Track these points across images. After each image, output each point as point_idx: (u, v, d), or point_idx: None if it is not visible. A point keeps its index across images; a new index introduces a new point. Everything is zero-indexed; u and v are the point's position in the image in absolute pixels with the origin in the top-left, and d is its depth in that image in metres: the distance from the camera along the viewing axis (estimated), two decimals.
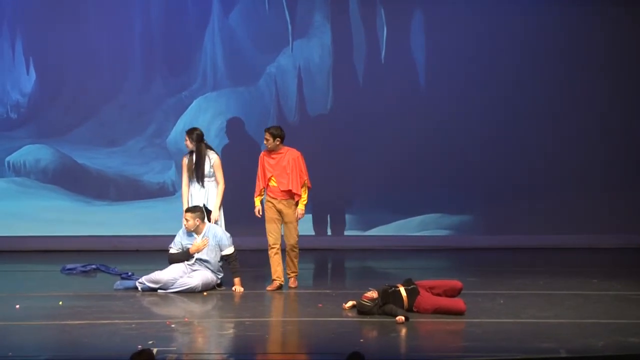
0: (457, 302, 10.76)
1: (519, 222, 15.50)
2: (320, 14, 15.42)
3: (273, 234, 12.07)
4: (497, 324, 10.37)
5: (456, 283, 10.98)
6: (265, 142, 12.05)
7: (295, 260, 12.07)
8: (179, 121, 15.30)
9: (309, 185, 12.06)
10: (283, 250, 12.10)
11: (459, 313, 10.64)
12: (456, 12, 15.36)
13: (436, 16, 15.39)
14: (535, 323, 10.38)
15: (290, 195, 11.98)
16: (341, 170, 15.24)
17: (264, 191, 12.10)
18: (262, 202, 12.12)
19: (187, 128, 12.62)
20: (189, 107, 15.39)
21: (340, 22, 15.38)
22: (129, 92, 15.42)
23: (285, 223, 12.04)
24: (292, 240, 12.01)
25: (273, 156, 12.04)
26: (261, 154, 12.13)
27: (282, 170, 11.98)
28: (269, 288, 12.08)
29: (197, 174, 12.35)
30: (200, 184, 12.37)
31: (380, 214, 15.49)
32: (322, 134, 15.28)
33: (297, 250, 12.05)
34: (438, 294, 10.82)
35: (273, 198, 12.02)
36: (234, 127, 15.30)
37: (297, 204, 12.02)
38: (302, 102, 15.43)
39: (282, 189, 11.97)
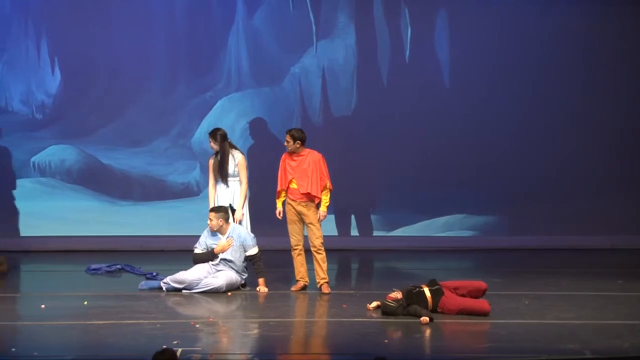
0: (482, 303, 10.74)
1: (543, 223, 15.45)
2: (345, 14, 15.42)
3: (295, 235, 12.07)
4: (521, 325, 10.35)
5: (480, 284, 10.96)
6: (286, 144, 12.03)
7: (324, 265, 11.96)
8: (203, 122, 15.33)
9: (331, 187, 12.04)
10: (308, 251, 12.09)
11: (483, 314, 10.62)
12: (480, 12, 15.33)
13: (460, 16, 15.36)
14: (560, 324, 10.35)
15: (310, 197, 11.96)
16: (365, 170, 15.23)
17: (285, 193, 12.09)
18: (283, 204, 12.12)
19: (211, 129, 12.65)
20: (213, 108, 15.41)
21: (365, 23, 15.38)
22: (153, 92, 15.46)
23: (307, 224, 12.03)
24: (316, 242, 11.98)
25: (294, 158, 12.03)
26: (283, 156, 12.13)
27: (303, 173, 11.96)
28: (293, 288, 12.09)
29: (222, 173, 12.36)
30: (226, 183, 12.39)
31: (404, 214, 15.47)
32: (346, 135, 15.27)
33: (323, 253, 11.96)
34: (462, 295, 10.80)
35: (293, 200, 12.01)
36: (258, 127, 15.31)
37: (317, 205, 12.01)
38: (326, 102, 15.43)
39: (302, 192, 11.95)
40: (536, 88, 15.41)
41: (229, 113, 15.36)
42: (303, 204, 11.96)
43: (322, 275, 11.96)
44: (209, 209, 12.26)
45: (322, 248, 11.97)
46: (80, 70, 15.39)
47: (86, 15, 15.24)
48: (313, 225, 11.97)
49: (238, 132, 15.10)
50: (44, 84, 15.40)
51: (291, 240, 12.05)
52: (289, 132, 12.06)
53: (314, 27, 15.38)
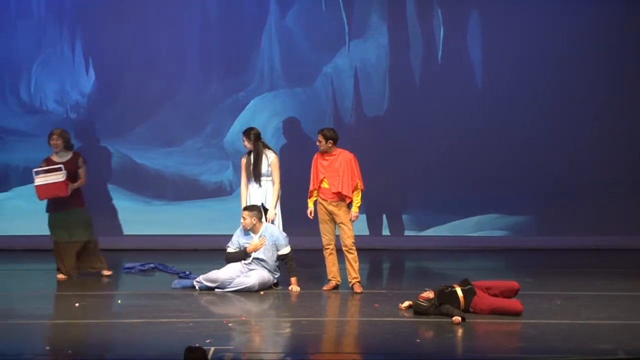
0: (514, 303, 10.70)
1: (574, 222, 15.38)
2: (377, 14, 15.40)
3: (326, 234, 12.05)
4: (554, 325, 10.30)
5: (513, 284, 10.93)
6: (318, 143, 12.03)
7: (355, 265, 11.93)
8: (236, 121, 15.35)
9: (362, 187, 12.02)
10: (339, 251, 12.08)
11: (515, 314, 10.58)
12: (512, 13, 15.28)
13: (493, 16, 15.32)
14: (593, 324, 10.30)
15: (341, 197, 11.93)
16: (397, 170, 15.21)
17: (317, 192, 12.08)
18: (315, 204, 12.11)
19: (244, 128, 12.66)
20: (246, 108, 15.43)
21: (397, 23, 15.35)
22: (186, 92, 15.50)
23: (338, 224, 12.00)
24: (347, 241, 11.95)
25: (326, 158, 12.01)
26: (315, 156, 12.12)
27: (334, 172, 11.94)
28: (325, 288, 12.08)
29: (255, 172, 12.37)
30: (258, 183, 12.40)
31: (435, 214, 15.44)
32: (378, 135, 15.26)
33: (354, 252, 11.93)
34: (495, 295, 10.77)
35: (324, 200, 11.99)
36: (290, 127, 15.32)
37: (348, 205, 11.99)
38: (359, 102, 15.41)
39: (333, 191, 11.94)
40: (567, 89, 15.34)
41: (262, 113, 15.37)
42: (334, 203, 11.95)
43: (354, 275, 11.95)
44: (242, 207, 12.28)
45: (354, 248, 11.95)
46: (114, 70, 15.46)
47: (120, 16, 15.30)
48: (344, 225, 11.95)
49: (270, 131, 15.11)
50: (78, 84, 15.47)
51: (323, 239, 12.04)
52: (321, 131, 12.06)
53: (346, 27, 15.37)
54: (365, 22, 15.39)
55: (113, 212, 15.34)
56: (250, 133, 12.38)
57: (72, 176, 12.71)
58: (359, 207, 12.03)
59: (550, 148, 15.36)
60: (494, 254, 14.93)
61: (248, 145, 12.39)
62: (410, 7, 15.32)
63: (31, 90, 15.48)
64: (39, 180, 12.62)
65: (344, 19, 15.34)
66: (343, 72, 15.44)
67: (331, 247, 12.03)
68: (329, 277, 12.10)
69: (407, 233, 15.49)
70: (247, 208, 12.17)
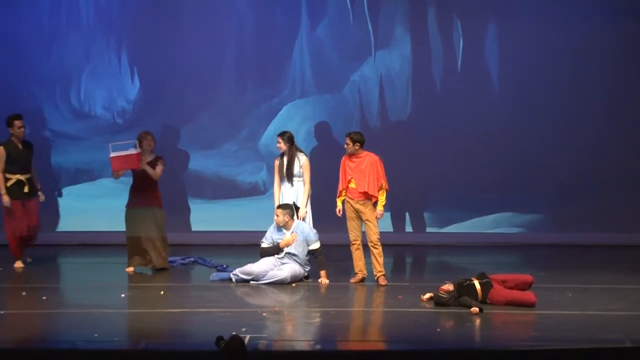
0: (528, 295, 10.68)
1: (585, 220, 15.29)
2: (401, 27, 15.38)
3: (353, 231, 12.05)
4: (565, 315, 10.27)
5: (527, 277, 10.90)
6: (346, 146, 12.04)
7: (380, 259, 11.94)
8: (269, 126, 15.37)
9: (387, 187, 12.02)
10: (365, 246, 12.08)
11: (529, 305, 10.56)
12: (527, 25, 15.21)
13: (508, 29, 15.26)
14: (602, 315, 10.26)
15: (367, 196, 11.93)
16: (419, 171, 15.18)
17: (345, 192, 12.08)
18: (343, 203, 12.11)
19: (277, 133, 12.68)
20: (279, 113, 15.44)
21: (419, 34, 15.32)
22: (224, 99, 15.53)
23: (364, 221, 12.00)
24: (373, 237, 11.95)
25: (353, 160, 12.02)
26: (343, 158, 12.13)
27: (361, 173, 11.94)
28: (352, 280, 12.08)
29: (288, 173, 12.40)
30: (291, 183, 12.42)
31: (455, 212, 15.40)
32: (401, 138, 15.23)
33: (379, 247, 11.95)
34: (510, 287, 10.75)
35: (351, 199, 11.99)
36: (320, 131, 15.32)
37: (374, 204, 11.99)
38: (384, 108, 15.40)
39: (359, 191, 11.94)
40: (577, 95, 15.26)
41: (294, 118, 15.38)
42: (361, 202, 11.95)
43: (379, 269, 11.95)
44: (276, 206, 12.30)
45: (379, 243, 11.96)
46: (157, 79, 15.50)
47: (162, 29, 15.34)
48: (370, 222, 11.95)
49: (302, 135, 15.10)
50: (124, 91, 15.53)
51: (350, 235, 12.05)
52: (348, 135, 12.07)
53: (372, 38, 15.36)
54: (390, 34, 15.37)
55: None
56: (286, 135, 12.42)
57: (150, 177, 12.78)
58: (384, 206, 12.03)
59: (561, 151, 15.29)
60: (509, 249, 14.88)
61: (283, 146, 12.40)
62: (432, 20, 15.30)
63: (81, 97, 15.55)
64: (114, 153, 12.68)
65: (370, 31, 15.33)
66: (369, 80, 15.43)
67: (358, 242, 12.03)
68: (356, 270, 12.11)
69: (428, 230, 15.45)
70: (280, 206, 12.19)
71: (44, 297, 11.33)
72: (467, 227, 15.40)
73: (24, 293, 11.55)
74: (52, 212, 15.25)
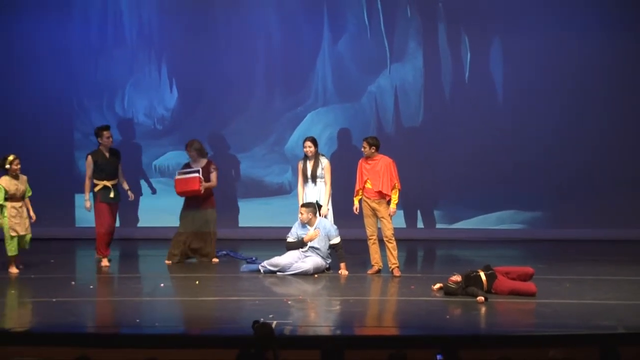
0: (530, 285, 10.64)
1: (583, 217, 15.20)
2: (414, 42, 15.34)
3: (370, 227, 12.01)
4: (563, 304, 10.23)
5: (529, 269, 10.86)
6: (363, 149, 12.03)
7: (395, 252, 11.89)
8: (295, 132, 15.36)
9: (399, 187, 11.99)
10: (381, 240, 12.06)
11: (531, 295, 10.52)
12: (529, 39, 15.13)
13: (512, 43, 15.19)
14: (597, 304, 10.21)
15: (382, 195, 11.90)
16: (430, 172, 15.13)
17: (362, 192, 12.05)
18: (360, 201, 12.08)
19: (302, 138, 12.70)
20: (303, 120, 15.43)
21: (431, 48, 15.28)
22: (254, 107, 15.53)
23: (380, 218, 11.97)
24: (387, 232, 11.91)
25: (369, 162, 12.00)
26: (360, 161, 12.12)
27: (376, 174, 11.91)
28: (369, 272, 12.06)
29: (313, 175, 12.43)
30: (315, 183, 12.44)
31: (463, 210, 15.35)
32: (414, 143, 15.19)
33: (393, 242, 11.91)
34: (513, 278, 10.71)
35: (368, 198, 11.96)
36: (340, 136, 15.31)
37: (388, 202, 11.96)
38: (398, 115, 15.36)
39: (375, 190, 11.92)
40: (577, 101, 15.17)
41: (317, 125, 15.37)
42: (376, 201, 11.93)
43: (394, 261, 11.93)
44: (300, 205, 12.30)
45: (393, 238, 11.93)
46: (194, 89, 15.53)
47: (199, 43, 15.37)
48: (385, 219, 11.92)
49: (324, 140, 15.09)
50: (163, 100, 15.56)
51: (367, 231, 12.03)
52: (365, 139, 12.06)
53: (388, 52, 15.33)
54: (404, 49, 15.33)
55: None
56: (314, 139, 12.50)
57: (205, 180, 12.80)
58: (397, 204, 12.02)
59: (560, 154, 15.21)
60: (512, 244, 14.82)
61: (312, 149, 12.43)
62: (442, 35, 15.25)
63: (125, 105, 15.59)
64: (179, 176, 12.76)
65: (386, 45, 15.30)
66: (385, 91, 15.40)
67: (374, 237, 12.01)
68: (372, 262, 12.08)
69: (438, 226, 15.40)
70: (304, 205, 12.20)
71: (91, 286, 11.39)
72: (474, 224, 15.34)
73: (73, 283, 11.60)
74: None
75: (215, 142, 15.38)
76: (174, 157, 15.33)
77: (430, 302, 10.40)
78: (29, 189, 12.15)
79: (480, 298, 10.27)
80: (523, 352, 8.34)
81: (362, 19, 15.32)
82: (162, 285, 11.36)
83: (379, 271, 12.04)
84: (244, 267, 12.42)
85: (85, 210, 12.73)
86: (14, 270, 11.99)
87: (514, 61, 15.24)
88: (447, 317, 9.78)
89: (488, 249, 14.38)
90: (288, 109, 15.48)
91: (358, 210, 12.09)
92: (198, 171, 12.70)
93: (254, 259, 12.85)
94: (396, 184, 11.94)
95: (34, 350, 8.45)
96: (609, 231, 15.05)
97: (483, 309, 10.03)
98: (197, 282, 11.44)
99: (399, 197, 12.05)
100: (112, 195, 12.50)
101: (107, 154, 12.59)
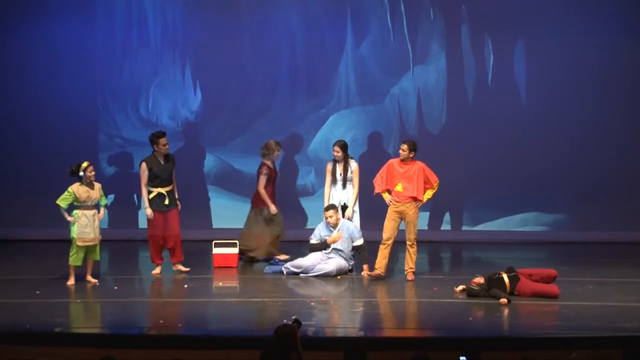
0: (553, 288, 10.63)
1: (606, 219, 15.13)
2: (437, 44, 15.33)
3: (388, 231, 11.78)
4: (586, 306, 10.21)
5: (552, 271, 10.85)
6: (401, 151, 11.83)
7: (414, 257, 11.78)
8: (318, 134, 15.38)
9: (435, 185, 11.91)
10: (396, 244, 11.90)
11: (554, 297, 10.51)
12: (552, 42, 15.08)
13: (535, 45, 15.14)
14: (620, 306, 10.18)
15: (414, 199, 11.81)
16: (454, 175, 15.07)
17: (387, 193, 11.94)
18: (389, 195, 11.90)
19: (325, 140, 12.74)
20: (326, 122, 15.45)
21: (454, 51, 15.27)
22: (277, 109, 15.55)
23: (406, 222, 11.84)
24: (411, 236, 11.76)
25: (403, 166, 11.88)
26: (391, 161, 12.01)
27: (410, 179, 11.76)
28: (370, 273, 11.85)
29: (343, 177, 12.50)
30: (344, 186, 12.50)
31: (486, 212, 15.32)
32: (437, 145, 15.15)
33: (415, 246, 11.78)
34: (536, 281, 10.70)
35: (397, 201, 11.85)
36: (363, 139, 15.32)
37: (417, 207, 11.85)
38: (421, 118, 15.36)
39: (408, 195, 11.80)
40: (598, 104, 15.10)
41: (340, 127, 15.38)
42: (407, 204, 11.79)
43: (411, 265, 11.78)
44: (326, 206, 12.32)
45: (415, 243, 11.78)
46: (217, 91, 15.58)
47: (222, 46, 15.42)
48: (411, 222, 11.78)
49: (347, 142, 15.07)
50: (187, 102, 15.62)
51: (384, 235, 11.80)
52: (406, 142, 11.90)
53: (410, 54, 15.32)
54: (427, 51, 15.32)
55: (206, 208, 15.46)
56: (341, 144, 12.59)
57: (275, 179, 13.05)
58: (427, 200, 11.98)
59: (585, 154, 15.14)
60: (535, 246, 14.78)
61: (342, 154, 12.48)
62: (465, 37, 15.23)
63: (149, 107, 15.65)
64: (217, 249, 12.79)
65: (409, 47, 15.30)
66: (408, 93, 15.40)
67: (388, 242, 11.76)
68: (376, 266, 11.81)
69: (463, 228, 15.39)
70: (331, 207, 12.22)
71: (116, 287, 11.45)
72: (498, 226, 15.31)
73: (97, 283, 11.66)
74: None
75: (237, 144, 15.42)
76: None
77: (453, 304, 10.40)
78: (104, 197, 11.85)
79: (503, 300, 10.27)
80: (546, 354, 8.35)
81: (385, 21, 15.33)
82: (185, 286, 11.41)
83: (378, 277, 11.77)
84: (268, 268, 12.46)
85: (147, 217, 12.32)
86: (71, 282, 11.51)
87: (537, 64, 15.20)
88: (470, 319, 9.78)
89: (511, 251, 14.35)
90: (311, 111, 15.49)
91: (391, 201, 11.85)
92: (235, 244, 12.78)
93: (277, 260, 12.88)
94: (435, 184, 11.89)
95: (54, 350, 8.53)
96: (633, 234, 14.98)
97: (506, 311, 10.02)
98: (220, 284, 11.48)
99: (434, 195, 12.03)
100: (166, 202, 12.26)
101: (161, 160, 12.35)
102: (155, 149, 12.39)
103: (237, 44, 15.43)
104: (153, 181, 12.26)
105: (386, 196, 11.92)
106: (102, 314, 9.97)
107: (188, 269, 12.31)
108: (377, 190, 12.05)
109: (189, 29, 15.55)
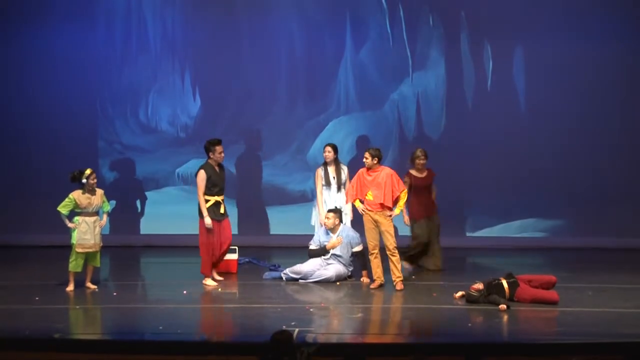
0: (552, 294, 10.62)
1: (604, 226, 15.15)
2: (436, 50, 15.35)
3: (372, 241, 11.66)
4: (585, 312, 10.20)
5: (551, 277, 10.84)
6: (364, 160, 11.72)
7: (398, 265, 11.63)
8: (317, 139, 15.39)
9: (402, 194, 11.74)
10: (382, 249, 11.84)
11: (553, 303, 10.50)
12: (551, 48, 15.12)
13: (534, 51, 15.18)
14: (619, 312, 10.17)
15: (384, 207, 11.62)
16: (453, 181, 15.09)
17: (358, 201, 11.76)
18: (362, 202, 11.74)
19: (324, 146, 12.75)
20: (326, 128, 15.46)
21: (453, 56, 15.29)
22: (276, 114, 15.56)
23: (382, 231, 11.65)
24: (390, 246, 11.60)
25: (370, 173, 11.71)
26: (360, 170, 11.80)
27: (378, 186, 11.59)
28: (372, 286, 11.75)
29: (338, 181, 12.50)
30: (337, 188, 12.49)
31: (485, 218, 15.33)
32: (436, 151, 15.13)
33: (397, 255, 11.63)
34: (535, 287, 10.69)
35: (370, 210, 11.66)
36: (363, 144, 15.30)
37: (390, 215, 11.69)
38: (420, 123, 15.37)
39: (377, 202, 11.62)
40: (596, 110, 15.13)
41: (339, 132, 15.39)
42: (379, 213, 11.64)
43: (397, 274, 11.66)
44: (327, 210, 12.27)
45: (396, 251, 11.63)
46: (217, 97, 15.59)
47: (221, 52, 15.44)
48: (387, 232, 11.60)
49: (346, 148, 15.12)
50: (186, 108, 15.63)
51: (369, 245, 11.70)
52: (368, 150, 11.76)
53: (410, 60, 15.34)
54: (426, 56, 15.34)
55: None
56: (333, 146, 12.56)
57: (427, 188, 13.08)
58: (400, 209, 11.79)
59: (584, 160, 15.17)
60: (534, 252, 14.78)
61: (332, 155, 12.48)
62: (464, 43, 15.26)
63: (148, 113, 15.66)
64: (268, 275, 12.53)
65: (408, 53, 15.32)
66: (407, 98, 15.41)
67: (376, 251, 11.68)
68: (375, 277, 11.75)
69: (460, 234, 15.38)
70: (331, 210, 12.20)
71: (115, 293, 11.43)
72: (497, 232, 15.31)
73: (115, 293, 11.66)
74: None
75: (237, 150, 15.43)
76: (197, 165, 15.29)
77: (453, 310, 10.39)
78: (106, 203, 11.74)
79: (503, 306, 10.26)
80: None
81: (385, 27, 15.34)
82: (184, 292, 11.39)
83: (381, 286, 11.74)
84: (267, 274, 12.44)
85: (206, 227, 12.01)
86: (71, 288, 11.43)
87: (536, 70, 15.22)
88: (469, 325, 9.77)
89: (509, 257, 14.34)
90: (310, 117, 15.51)
91: (364, 211, 11.78)
92: (235, 250, 12.70)
93: (276, 266, 12.88)
94: (403, 190, 11.75)
95: (54, 356, 8.51)
96: (631, 240, 14.99)
97: (505, 317, 10.01)
98: (219, 289, 11.46)
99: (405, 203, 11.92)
100: (222, 211, 12.13)
101: (217, 168, 12.18)
102: (211, 156, 12.18)
103: (237, 50, 15.45)
104: (211, 189, 12.06)
105: (358, 205, 11.78)
106: (101, 320, 9.95)
107: (222, 278, 12.25)
108: (348, 200, 12.03)
109: (188, 35, 15.57)
